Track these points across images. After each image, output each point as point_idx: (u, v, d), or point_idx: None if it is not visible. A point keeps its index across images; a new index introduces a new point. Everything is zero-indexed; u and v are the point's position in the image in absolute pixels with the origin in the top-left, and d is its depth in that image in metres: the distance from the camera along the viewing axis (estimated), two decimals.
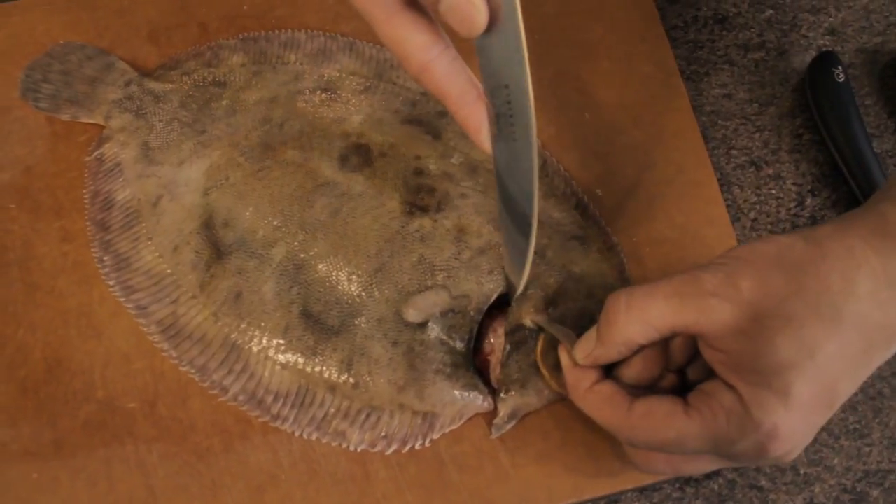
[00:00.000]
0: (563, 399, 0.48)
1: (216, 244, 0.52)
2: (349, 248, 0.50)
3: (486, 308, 0.49)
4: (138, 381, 0.51)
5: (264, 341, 0.50)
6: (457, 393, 0.48)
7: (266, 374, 0.49)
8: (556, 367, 0.47)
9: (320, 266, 0.50)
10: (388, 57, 0.58)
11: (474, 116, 0.36)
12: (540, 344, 0.48)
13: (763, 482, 0.50)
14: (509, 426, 0.48)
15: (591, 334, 0.43)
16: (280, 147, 0.53)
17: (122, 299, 0.52)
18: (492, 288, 0.49)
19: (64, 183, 0.56)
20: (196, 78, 0.57)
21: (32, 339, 0.52)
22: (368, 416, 0.48)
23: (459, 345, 0.48)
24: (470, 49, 0.35)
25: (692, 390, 0.41)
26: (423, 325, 0.48)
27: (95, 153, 0.56)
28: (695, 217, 0.55)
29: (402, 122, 0.54)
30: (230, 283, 0.51)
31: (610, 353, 0.42)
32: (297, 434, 0.49)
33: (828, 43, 0.62)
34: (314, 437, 0.49)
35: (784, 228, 0.57)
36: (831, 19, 0.63)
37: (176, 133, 0.55)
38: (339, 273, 0.49)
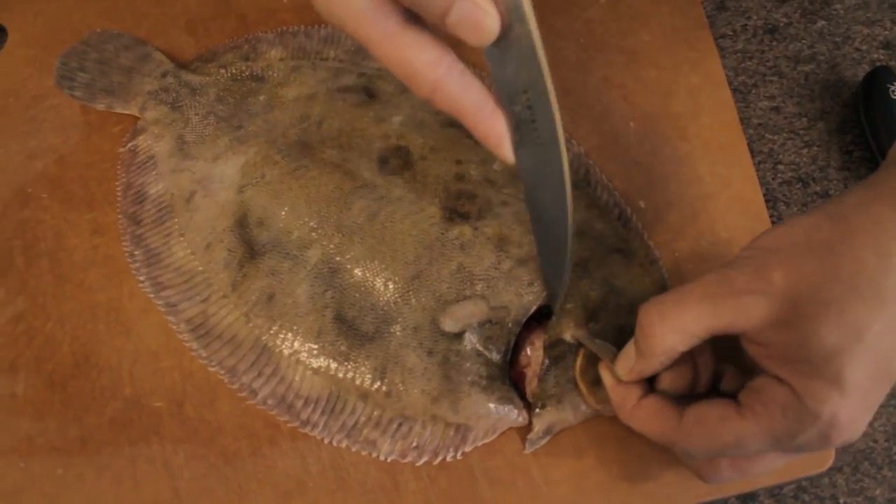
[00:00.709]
0: (598, 416, 0.47)
1: (250, 243, 0.51)
2: (386, 254, 0.49)
3: (524, 320, 0.47)
4: (166, 380, 0.50)
5: (296, 345, 0.49)
6: (491, 406, 0.47)
7: (297, 378, 0.49)
8: (595, 384, 0.46)
9: (356, 270, 0.49)
10: None
11: (496, 129, 0.34)
12: (579, 360, 0.47)
13: None
14: (543, 441, 0.47)
15: (629, 350, 0.42)
16: (318, 146, 0.52)
17: (151, 296, 0.51)
18: (531, 300, 0.47)
19: (97, 174, 0.55)
20: (233, 71, 0.56)
21: (61, 333, 0.51)
22: (400, 425, 0.47)
23: (496, 357, 0.47)
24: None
25: (741, 390, 0.39)
26: (459, 336, 0.47)
27: (129, 145, 0.55)
28: (739, 233, 0.53)
29: (442, 125, 0.53)
30: (263, 284, 0.50)
31: (652, 365, 0.41)
32: (326, 441, 0.48)
33: (882, 57, 0.60)
34: (344, 444, 0.48)
35: None
36: (886, 32, 0.61)
37: (212, 127, 0.54)
38: (376, 278, 0.48)
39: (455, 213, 0.49)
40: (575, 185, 0.51)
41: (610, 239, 0.51)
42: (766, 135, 0.58)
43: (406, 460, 0.47)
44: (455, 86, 0.33)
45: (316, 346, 0.48)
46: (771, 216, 0.55)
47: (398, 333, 0.48)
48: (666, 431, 0.40)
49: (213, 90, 0.55)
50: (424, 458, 0.47)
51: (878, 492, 0.49)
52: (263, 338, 0.49)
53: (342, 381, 0.48)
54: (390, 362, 0.47)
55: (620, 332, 0.47)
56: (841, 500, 0.49)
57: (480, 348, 0.47)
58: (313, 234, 0.50)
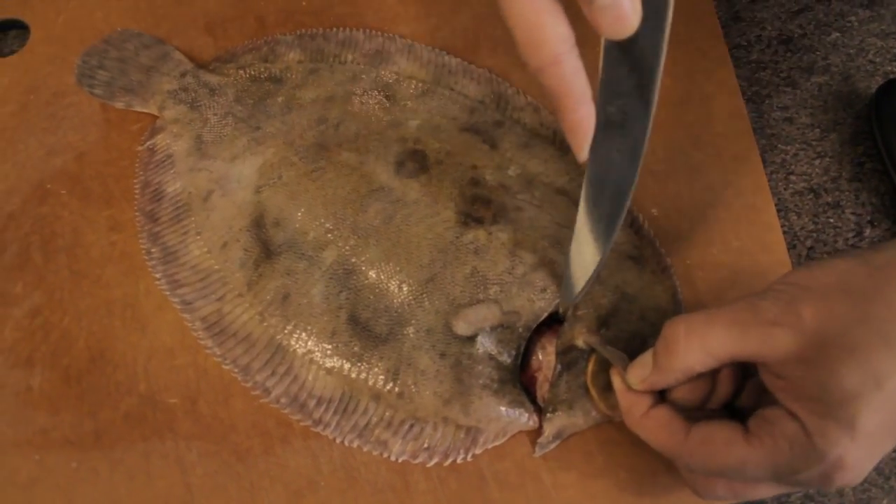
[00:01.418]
0: (608, 421, 0.48)
1: (266, 243, 0.51)
2: (401, 256, 0.49)
3: (535, 325, 0.48)
4: (181, 377, 0.51)
5: (310, 345, 0.49)
6: (502, 409, 0.47)
7: (310, 378, 0.49)
8: (606, 389, 0.46)
9: (371, 272, 0.49)
10: (446, 62, 0.57)
11: (585, 124, 0.34)
12: (591, 365, 0.47)
13: None
14: (553, 445, 0.48)
15: (645, 359, 0.42)
16: (335, 148, 0.53)
17: (167, 293, 0.52)
18: (542, 306, 0.48)
19: (115, 171, 0.56)
20: (252, 72, 0.57)
21: (77, 328, 0.52)
22: (412, 426, 0.48)
23: (507, 360, 0.48)
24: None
25: (752, 416, 0.40)
26: (471, 339, 0.48)
27: (147, 143, 0.56)
28: (750, 243, 0.54)
29: (459, 130, 0.54)
30: (278, 284, 0.50)
31: (667, 380, 0.41)
32: (338, 441, 0.48)
33: (895, 70, 0.60)
34: (355, 444, 0.48)
35: None
36: None
37: (230, 128, 0.55)
38: (390, 280, 0.49)
39: (470, 217, 0.50)
40: None
41: (622, 245, 0.51)
42: (779, 145, 0.58)
43: (417, 461, 0.48)
44: (571, 67, 0.33)
45: (329, 347, 0.49)
46: (782, 226, 0.55)
47: (411, 335, 0.48)
48: (671, 445, 0.41)
49: (231, 91, 0.56)
50: (435, 460, 0.48)
51: (885, 502, 0.50)
52: (278, 337, 0.50)
53: (355, 382, 0.48)
54: (403, 364, 0.48)
55: (631, 339, 0.48)
56: None
57: (492, 352, 0.48)
58: (329, 235, 0.50)
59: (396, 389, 0.48)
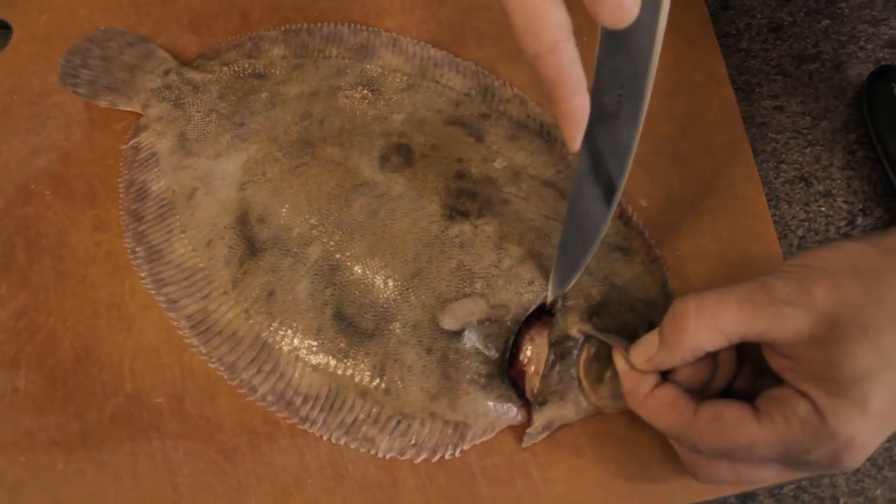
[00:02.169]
0: (598, 413, 0.47)
1: (250, 240, 0.51)
2: (386, 251, 0.49)
3: (523, 319, 0.47)
4: (167, 376, 0.50)
5: (296, 342, 0.49)
6: (490, 404, 0.47)
7: (296, 375, 0.49)
8: (598, 381, 0.46)
9: (356, 268, 0.49)
10: (431, 55, 0.57)
11: (579, 112, 0.34)
12: (583, 356, 0.46)
13: None
14: (542, 436, 0.47)
15: (651, 338, 0.42)
16: (319, 144, 0.52)
17: (153, 292, 0.52)
18: (530, 299, 0.47)
19: (99, 171, 0.56)
20: (236, 69, 0.57)
21: (62, 329, 0.51)
22: (399, 423, 0.47)
23: (495, 355, 0.47)
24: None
25: (758, 396, 0.39)
26: (458, 334, 0.47)
27: (132, 142, 0.56)
28: (741, 233, 0.53)
29: (444, 123, 0.53)
30: (263, 281, 0.50)
31: (674, 359, 0.41)
32: (325, 438, 0.48)
33: (887, 56, 0.60)
34: (342, 441, 0.48)
35: None
36: (891, 31, 0.61)
37: (214, 125, 0.54)
38: (375, 276, 0.48)
39: (455, 211, 0.49)
40: None
41: (611, 237, 0.51)
42: (769, 134, 0.58)
43: (404, 458, 0.47)
44: (568, 56, 0.33)
45: (315, 343, 0.48)
46: (773, 216, 0.54)
47: (397, 331, 0.48)
48: (678, 424, 0.40)
49: (215, 88, 0.56)
50: (423, 456, 0.47)
51: (878, 492, 0.49)
52: (263, 334, 0.49)
53: (341, 379, 0.48)
54: (389, 360, 0.47)
55: (622, 330, 0.47)
56: (841, 501, 0.49)
57: (479, 346, 0.47)
58: (314, 231, 0.50)
59: (383, 386, 0.47)
